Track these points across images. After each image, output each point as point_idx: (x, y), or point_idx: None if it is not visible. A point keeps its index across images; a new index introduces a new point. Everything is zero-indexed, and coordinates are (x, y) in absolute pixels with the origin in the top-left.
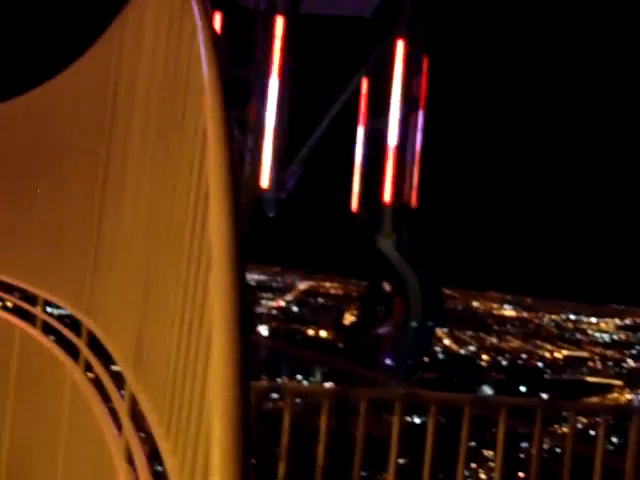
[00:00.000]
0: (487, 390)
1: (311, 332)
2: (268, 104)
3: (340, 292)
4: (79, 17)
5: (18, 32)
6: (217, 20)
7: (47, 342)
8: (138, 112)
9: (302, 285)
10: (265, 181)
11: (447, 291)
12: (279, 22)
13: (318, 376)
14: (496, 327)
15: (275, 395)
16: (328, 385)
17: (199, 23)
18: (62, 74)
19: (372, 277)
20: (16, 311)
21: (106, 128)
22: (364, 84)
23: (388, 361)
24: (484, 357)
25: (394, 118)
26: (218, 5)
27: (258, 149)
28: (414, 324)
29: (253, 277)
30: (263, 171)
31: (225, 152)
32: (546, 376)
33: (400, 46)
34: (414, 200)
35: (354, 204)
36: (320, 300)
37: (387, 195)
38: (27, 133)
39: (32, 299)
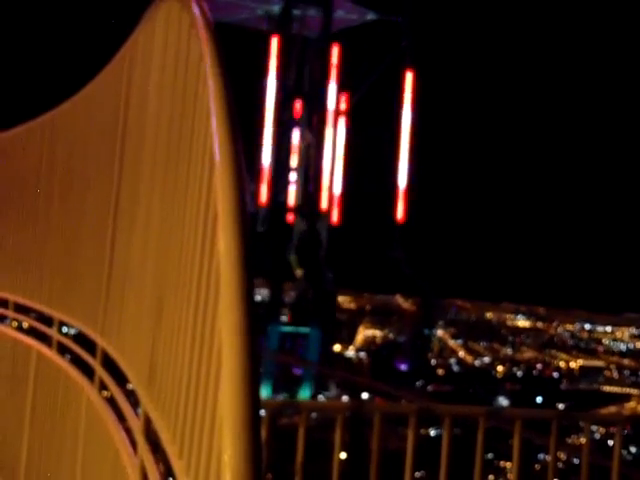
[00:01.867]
0: (503, 401)
1: None
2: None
3: (353, 306)
4: (89, 42)
5: (30, 58)
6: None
7: (63, 362)
8: (148, 135)
9: None
10: (264, 198)
11: (460, 302)
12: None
13: (333, 391)
14: (510, 338)
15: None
16: (343, 399)
17: (206, 48)
18: (73, 98)
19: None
20: (32, 332)
21: (117, 152)
22: None
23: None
24: (499, 368)
25: (404, 139)
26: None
27: (259, 167)
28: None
29: (265, 292)
30: (262, 188)
31: (233, 174)
32: (562, 386)
33: (409, 77)
34: (402, 214)
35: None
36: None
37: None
38: (40, 158)
39: (48, 320)
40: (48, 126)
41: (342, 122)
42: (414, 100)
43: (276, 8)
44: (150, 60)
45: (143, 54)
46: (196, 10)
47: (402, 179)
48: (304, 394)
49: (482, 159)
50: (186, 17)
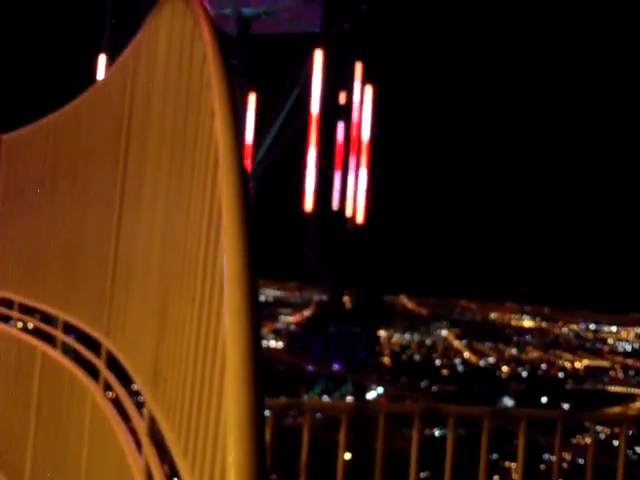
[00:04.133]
0: (508, 401)
1: None
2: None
3: None
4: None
5: (35, 60)
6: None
7: (67, 363)
8: (153, 135)
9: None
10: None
11: (464, 303)
12: None
13: (337, 391)
14: (515, 338)
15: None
16: (347, 400)
17: (209, 47)
18: (79, 98)
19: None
20: (37, 332)
21: (121, 152)
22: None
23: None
24: (504, 368)
25: (314, 127)
26: None
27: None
28: (332, 329)
29: (271, 293)
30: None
31: (237, 172)
32: (567, 386)
33: (318, 57)
34: (358, 211)
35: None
36: None
37: (309, 203)
38: (45, 158)
39: (52, 320)
40: (53, 127)
41: None
42: (375, 105)
43: (247, 10)
44: (154, 60)
45: (147, 54)
46: (200, 10)
47: (311, 169)
48: (316, 391)
49: (478, 157)
50: (190, 17)
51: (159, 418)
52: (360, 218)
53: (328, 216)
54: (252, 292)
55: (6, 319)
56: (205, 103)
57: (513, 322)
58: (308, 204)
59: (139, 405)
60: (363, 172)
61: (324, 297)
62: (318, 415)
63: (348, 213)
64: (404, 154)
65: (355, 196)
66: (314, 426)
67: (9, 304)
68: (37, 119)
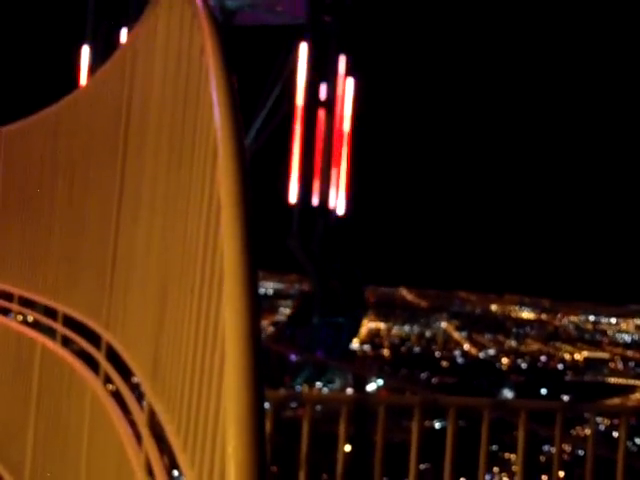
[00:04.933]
0: (507, 393)
1: None
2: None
3: None
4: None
5: (32, 53)
6: (123, 35)
7: (67, 356)
8: (151, 127)
9: None
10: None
11: (464, 294)
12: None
13: (337, 382)
14: (515, 330)
15: (294, 403)
16: (347, 391)
17: (208, 39)
18: (77, 91)
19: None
20: (37, 325)
21: (120, 145)
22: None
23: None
24: (504, 360)
25: (298, 120)
26: None
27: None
28: (316, 320)
29: (270, 285)
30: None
31: (236, 165)
32: (567, 378)
33: (302, 49)
34: (339, 203)
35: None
36: None
37: (292, 196)
38: (43, 152)
39: (52, 313)
40: (52, 120)
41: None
42: (355, 101)
43: (230, 3)
44: (153, 52)
45: (146, 46)
46: (198, 1)
47: (295, 162)
48: (300, 381)
49: (474, 147)
50: (188, 8)
51: (159, 410)
52: (341, 210)
53: (311, 208)
54: (251, 284)
55: (5, 312)
56: (204, 95)
57: (513, 314)
58: (292, 196)
59: (139, 398)
60: (344, 164)
61: (308, 288)
62: (318, 407)
63: (331, 205)
64: (392, 146)
65: (337, 188)
66: (314, 418)
67: (8, 297)
68: (32, 112)
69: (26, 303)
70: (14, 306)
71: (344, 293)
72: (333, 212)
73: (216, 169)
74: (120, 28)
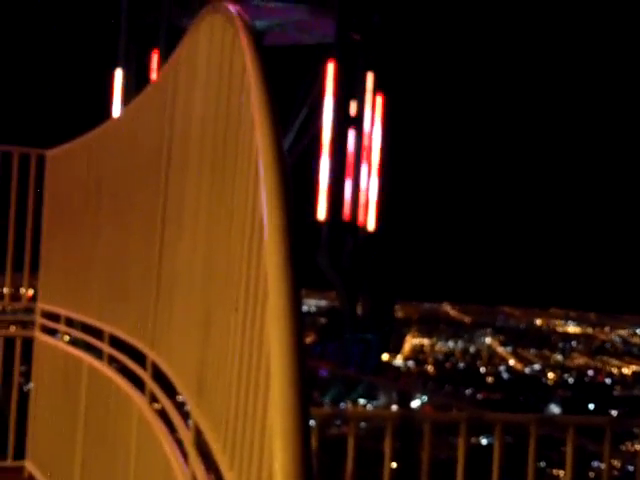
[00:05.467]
0: (554, 408)
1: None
2: None
3: (401, 315)
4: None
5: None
6: (155, 59)
7: (114, 375)
8: (193, 148)
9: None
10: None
11: (508, 309)
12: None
13: (382, 399)
14: (561, 344)
15: (339, 420)
16: (392, 408)
17: (249, 58)
18: (119, 115)
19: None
20: (83, 345)
21: (163, 166)
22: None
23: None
24: (550, 375)
25: (326, 136)
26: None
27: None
28: (347, 336)
29: (313, 302)
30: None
31: (278, 184)
32: (615, 392)
33: (330, 68)
34: (369, 219)
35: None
36: None
37: (322, 212)
38: (88, 174)
39: (98, 333)
40: (95, 143)
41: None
42: (384, 116)
43: (259, 24)
44: (194, 73)
45: (187, 68)
46: (240, 21)
47: (324, 178)
48: (329, 397)
49: (500, 161)
50: (229, 29)
51: (205, 429)
52: (371, 226)
53: (340, 224)
54: (295, 302)
55: (52, 332)
56: (246, 115)
57: (558, 328)
58: (321, 213)
59: (184, 416)
60: (374, 181)
61: (337, 304)
62: (362, 424)
63: (360, 221)
64: (418, 162)
65: (367, 204)
66: (359, 435)
67: (55, 317)
68: (68, 134)
69: (73, 323)
70: (61, 326)
71: (373, 309)
72: (363, 228)
73: (258, 189)
74: (151, 51)
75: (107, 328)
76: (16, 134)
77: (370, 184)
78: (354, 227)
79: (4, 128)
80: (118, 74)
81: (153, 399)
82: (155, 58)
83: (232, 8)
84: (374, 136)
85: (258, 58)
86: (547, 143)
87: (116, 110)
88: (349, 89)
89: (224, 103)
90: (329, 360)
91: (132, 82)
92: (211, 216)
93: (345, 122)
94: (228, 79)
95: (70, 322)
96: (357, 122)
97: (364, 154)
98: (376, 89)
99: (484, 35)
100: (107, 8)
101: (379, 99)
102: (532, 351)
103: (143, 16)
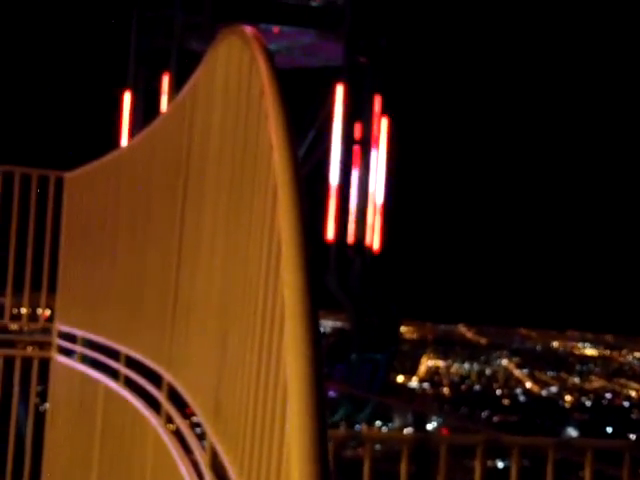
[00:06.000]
0: (571, 432)
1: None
2: None
3: (416, 336)
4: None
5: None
6: (165, 81)
7: (129, 396)
8: (211, 170)
9: None
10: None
11: (524, 331)
12: None
13: (397, 422)
14: (578, 367)
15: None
16: (407, 431)
17: (267, 81)
18: (137, 137)
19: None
20: (99, 366)
21: (180, 188)
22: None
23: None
24: (567, 398)
25: (335, 158)
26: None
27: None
28: (354, 356)
29: (329, 324)
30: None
31: (295, 207)
32: (633, 416)
33: (339, 90)
34: (375, 240)
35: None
36: None
37: (330, 233)
38: (106, 197)
39: (114, 354)
40: (113, 165)
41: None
42: (390, 139)
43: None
44: (212, 95)
45: (205, 90)
46: (257, 44)
47: (332, 200)
48: (338, 417)
49: (516, 182)
50: (247, 52)
51: (221, 450)
52: (376, 246)
53: (347, 245)
54: (313, 326)
55: (70, 353)
56: (263, 137)
57: (575, 350)
58: (330, 234)
59: (200, 436)
60: (379, 201)
61: (344, 324)
62: (378, 446)
63: (367, 242)
64: (433, 183)
65: (372, 225)
66: (375, 458)
67: (72, 338)
68: (98, 157)
69: (90, 344)
70: (77, 347)
71: (380, 329)
72: (369, 249)
73: (275, 211)
74: (160, 74)
75: (123, 349)
76: (24, 154)
77: (376, 205)
78: (361, 248)
79: (13, 149)
80: (127, 96)
81: (168, 419)
82: (166, 80)
83: (249, 31)
84: (380, 157)
85: (275, 82)
86: (562, 163)
87: (125, 131)
88: (356, 111)
89: (242, 126)
90: (337, 380)
91: (141, 104)
92: (228, 238)
93: (352, 143)
94: (246, 102)
95: (87, 342)
96: (363, 143)
97: (371, 174)
98: (382, 111)
99: (489, 60)
100: (117, 31)
101: (384, 121)
102: (549, 373)
103: (151, 39)
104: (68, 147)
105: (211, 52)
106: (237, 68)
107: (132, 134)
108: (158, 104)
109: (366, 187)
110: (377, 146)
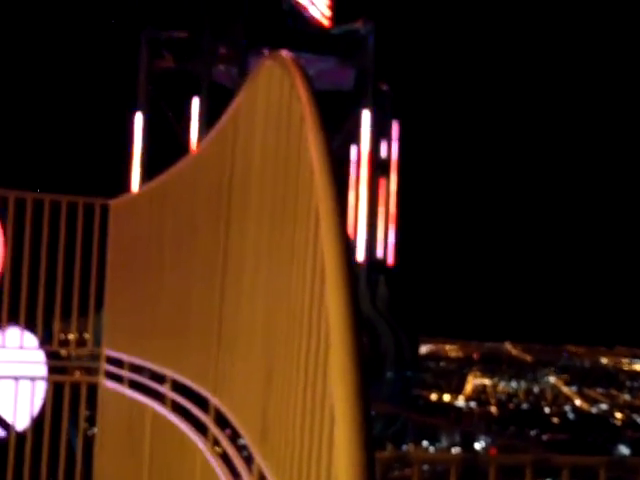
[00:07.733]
0: (623, 450)
1: (434, 397)
2: None
3: (461, 355)
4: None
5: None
6: (196, 103)
7: (177, 420)
8: (253, 197)
9: (422, 349)
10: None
11: (572, 348)
12: None
13: (444, 442)
14: (628, 383)
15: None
16: (455, 451)
17: (307, 108)
18: (180, 164)
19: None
20: (147, 391)
21: (223, 216)
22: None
23: None
24: (618, 415)
25: (363, 182)
26: (199, 90)
27: None
28: (389, 375)
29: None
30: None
31: (338, 232)
32: None
33: (366, 115)
34: (391, 258)
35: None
36: (442, 364)
37: (360, 254)
38: (150, 223)
39: (161, 379)
40: (156, 193)
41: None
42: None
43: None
44: (253, 123)
45: (246, 118)
46: (297, 71)
47: (362, 221)
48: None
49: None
50: (287, 79)
51: (268, 474)
52: (390, 260)
53: (374, 265)
54: (357, 352)
55: (118, 378)
56: (304, 162)
57: (625, 367)
58: (360, 255)
59: (246, 459)
60: (391, 219)
61: (375, 342)
62: (425, 467)
63: (389, 262)
64: (449, 204)
65: (385, 242)
66: (422, 478)
67: (119, 363)
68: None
69: (137, 369)
70: (124, 372)
71: (409, 347)
72: (391, 268)
73: (318, 239)
74: (171, 96)
75: (170, 374)
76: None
77: (389, 224)
78: (385, 267)
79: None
80: (138, 118)
81: (215, 442)
82: (196, 104)
83: (288, 57)
84: (392, 178)
85: (315, 107)
86: (585, 177)
87: (137, 153)
88: (377, 135)
89: (283, 152)
90: (374, 399)
91: (150, 125)
92: (272, 267)
93: (377, 167)
94: (286, 128)
95: (134, 367)
96: (384, 166)
97: (389, 195)
98: (398, 136)
99: (497, 77)
100: (127, 52)
101: (395, 145)
102: (598, 390)
103: (160, 61)
104: (96, 172)
105: (251, 81)
106: (278, 94)
107: (145, 156)
108: (169, 124)
109: (387, 207)
110: (395, 169)
